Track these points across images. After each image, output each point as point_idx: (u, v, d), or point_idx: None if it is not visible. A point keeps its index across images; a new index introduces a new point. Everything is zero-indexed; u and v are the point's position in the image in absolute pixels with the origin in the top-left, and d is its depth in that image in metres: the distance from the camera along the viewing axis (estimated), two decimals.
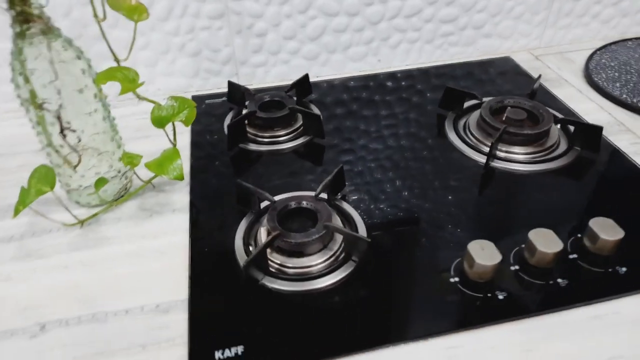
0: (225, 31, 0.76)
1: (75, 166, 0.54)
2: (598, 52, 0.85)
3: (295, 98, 0.72)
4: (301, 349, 0.42)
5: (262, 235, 0.50)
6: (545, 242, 0.46)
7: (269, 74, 0.82)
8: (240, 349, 0.42)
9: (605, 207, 0.54)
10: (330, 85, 0.81)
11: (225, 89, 0.79)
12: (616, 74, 0.78)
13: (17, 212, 0.49)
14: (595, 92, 0.76)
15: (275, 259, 0.49)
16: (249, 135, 0.67)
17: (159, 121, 0.53)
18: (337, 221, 0.51)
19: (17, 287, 0.49)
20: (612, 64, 0.81)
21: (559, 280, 0.47)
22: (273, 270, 0.48)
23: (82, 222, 0.55)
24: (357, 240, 0.47)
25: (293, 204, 0.51)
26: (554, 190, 0.57)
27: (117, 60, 0.51)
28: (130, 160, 0.56)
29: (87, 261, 0.52)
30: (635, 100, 0.72)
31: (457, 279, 0.47)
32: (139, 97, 0.51)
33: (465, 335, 0.43)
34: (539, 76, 0.73)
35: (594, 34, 0.90)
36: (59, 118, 0.50)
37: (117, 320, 0.46)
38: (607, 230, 0.47)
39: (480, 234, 0.51)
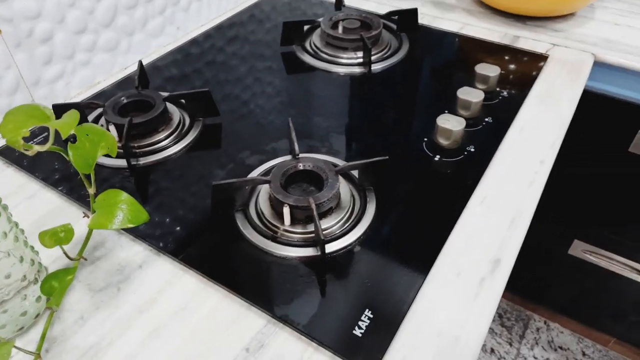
0: (0, 48, 0.55)
1: None
2: None
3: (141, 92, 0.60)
4: (407, 279, 0.43)
5: (286, 214, 0.44)
6: (470, 94, 0.57)
7: (71, 85, 0.65)
8: (369, 314, 0.40)
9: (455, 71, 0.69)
10: (148, 71, 0.70)
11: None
12: None
13: None
14: None
15: (303, 230, 0.45)
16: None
17: (86, 164, 0.38)
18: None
19: None
20: None
21: (487, 119, 0.59)
22: (307, 242, 0.45)
23: (38, 354, 0.37)
24: (376, 164, 0.47)
25: (291, 170, 0.47)
26: (419, 71, 0.69)
27: None
28: (55, 237, 0.39)
29: None
30: None
31: (438, 157, 0.54)
32: (52, 149, 0.35)
33: (480, 187, 0.51)
34: None
35: None
36: None
37: None
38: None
39: (419, 119, 0.59)
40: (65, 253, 0.41)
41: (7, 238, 0.35)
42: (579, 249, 0.99)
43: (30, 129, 0.32)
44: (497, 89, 0.63)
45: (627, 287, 1.00)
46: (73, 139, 0.39)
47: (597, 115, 0.80)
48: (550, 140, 0.57)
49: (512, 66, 0.68)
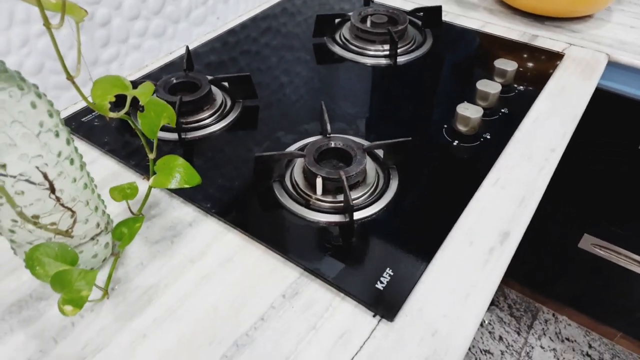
0: (65, 31, 0.62)
1: (71, 228, 0.41)
2: None
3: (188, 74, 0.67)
4: (422, 244, 0.48)
5: (318, 185, 0.50)
6: (489, 86, 0.62)
7: (124, 66, 0.72)
8: (390, 272, 0.45)
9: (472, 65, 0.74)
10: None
11: (82, 102, 0.67)
12: None
13: (81, 303, 0.36)
14: None
15: (334, 199, 0.51)
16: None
17: (151, 131, 0.45)
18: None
19: None
20: None
21: (503, 110, 0.64)
22: (336, 209, 0.50)
23: (106, 290, 0.44)
24: (401, 144, 0.53)
25: (324, 146, 0.53)
26: (442, 64, 0.74)
27: (70, 77, 0.40)
28: (123, 192, 0.46)
29: (159, 318, 0.43)
30: None
31: (457, 142, 0.59)
32: (121, 116, 0.42)
33: (495, 169, 0.56)
34: None
35: None
36: (46, 177, 0.37)
37: (264, 330, 0.42)
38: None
39: (440, 107, 0.64)
40: (129, 207, 0.48)
41: (87, 188, 0.42)
42: (589, 243, 1.03)
43: (114, 95, 0.38)
44: (514, 83, 0.68)
45: (635, 283, 1.04)
46: (141, 108, 0.45)
47: (610, 113, 0.84)
48: (561, 131, 0.62)
49: (529, 63, 0.73)
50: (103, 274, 0.46)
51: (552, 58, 0.75)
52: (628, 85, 0.80)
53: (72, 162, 0.39)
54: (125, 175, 0.57)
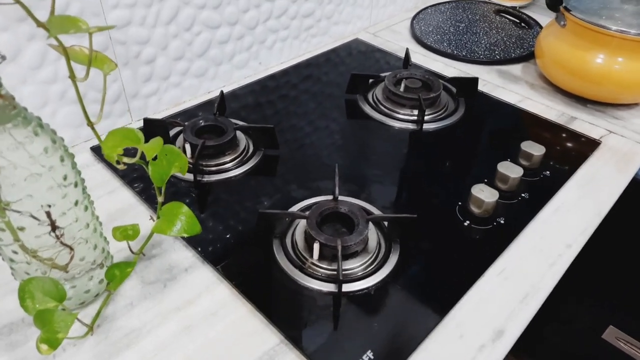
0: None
1: (67, 264, 0.43)
2: (414, 21, 1.05)
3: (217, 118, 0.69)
4: (412, 328, 0.47)
5: (315, 249, 0.50)
6: (510, 169, 0.61)
7: (162, 101, 0.75)
8: (370, 355, 0.44)
9: (504, 141, 0.72)
10: (228, 97, 0.79)
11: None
12: (437, 36, 0.99)
13: (56, 345, 0.37)
14: (434, 53, 0.95)
15: (328, 267, 0.51)
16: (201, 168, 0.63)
17: (160, 178, 0.47)
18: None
19: None
20: (430, 29, 1.02)
21: (523, 195, 0.62)
22: (331, 277, 0.50)
23: (91, 327, 0.45)
24: (405, 220, 0.52)
25: (328, 210, 0.53)
26: (468, 138, 0.73)
27: (90, 124, 0.42)
28: (125, 233, 0.48)
29: None
30: (464, 53, 0.93)
31: (468, 222, 0.58)
32: (137, 162, 0.44)
33: (502, 258, 0.54)
34: (407, 49, 0.87)
35: (400, 7, 1.10)
36: (49, 216, 0.39)
37: None
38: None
39: (457, 183, 0.63)
40: (130, 248, 0.50)
41: (88, 228, 0.44)
42: (613, 336, 0.96)
43: (123, 148, 0.40)
44: (540, 168, 0.66)
45: None
46: (154, 157, 0.47)
47: None
48: (582, 226, 0.59)
49: (561, 147, 0.71)
50: (93, 309, 0.47)
51: (588, 145, 0.72)
52: None
53: (76, 203, 0.41)
54: (139, 209, 0.59)
